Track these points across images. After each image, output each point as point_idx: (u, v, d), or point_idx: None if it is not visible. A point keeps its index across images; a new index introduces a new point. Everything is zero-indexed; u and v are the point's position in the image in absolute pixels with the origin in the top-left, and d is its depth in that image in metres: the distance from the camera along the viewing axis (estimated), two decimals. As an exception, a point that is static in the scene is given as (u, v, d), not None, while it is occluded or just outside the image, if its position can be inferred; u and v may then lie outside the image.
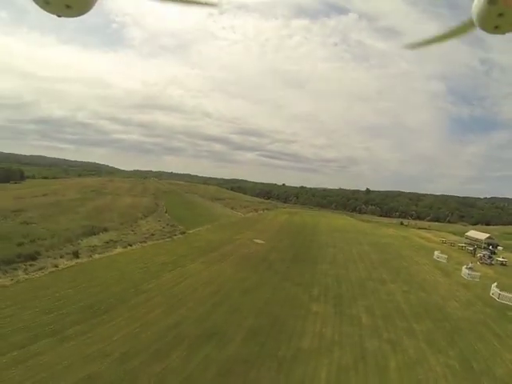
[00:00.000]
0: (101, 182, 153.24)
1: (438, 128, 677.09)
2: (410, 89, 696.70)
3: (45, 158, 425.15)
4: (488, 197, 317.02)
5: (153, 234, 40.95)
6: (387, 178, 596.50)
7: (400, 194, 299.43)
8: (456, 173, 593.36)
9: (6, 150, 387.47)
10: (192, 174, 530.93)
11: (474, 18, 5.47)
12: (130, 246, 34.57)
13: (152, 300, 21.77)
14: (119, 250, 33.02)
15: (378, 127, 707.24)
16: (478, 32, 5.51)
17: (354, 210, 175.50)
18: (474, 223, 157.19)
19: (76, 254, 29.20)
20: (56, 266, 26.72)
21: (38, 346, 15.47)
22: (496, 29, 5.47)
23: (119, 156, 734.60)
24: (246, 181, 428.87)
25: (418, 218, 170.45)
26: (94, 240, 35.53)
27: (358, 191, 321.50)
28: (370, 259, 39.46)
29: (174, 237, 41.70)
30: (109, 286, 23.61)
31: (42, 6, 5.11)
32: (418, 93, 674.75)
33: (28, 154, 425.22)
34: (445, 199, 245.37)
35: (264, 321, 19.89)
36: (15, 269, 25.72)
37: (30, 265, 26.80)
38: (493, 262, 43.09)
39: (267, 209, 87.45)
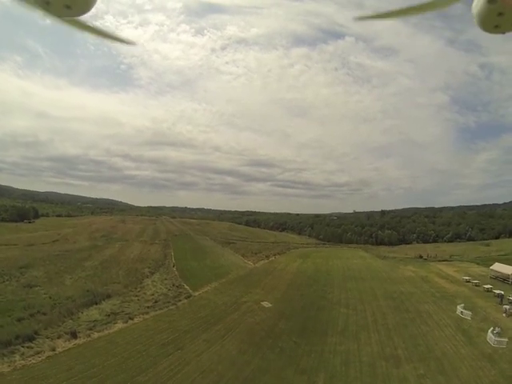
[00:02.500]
0: (112, 224, 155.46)
1: (446, 139, 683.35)
2: (414, 104, 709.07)
3: (59, 194, 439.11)
4: (507, 201, 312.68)
5: (156, 302, 40.65)
6: (401, 195, 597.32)
7: (416, 211, 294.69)
8: (471, 182, 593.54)
9: (22, 187, 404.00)
10: (206, 207, 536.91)
11: (474, 17, 5.46)
12: (131, 319, 34.34)
13: (146, 399, 21.34)
14: (120, 325, 32.87)
15: (387, 146, 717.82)
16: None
17: (370, 236, 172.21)
18: (496, 236, 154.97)
19: (74, 335, 29.19)
20: (53, 350, 26.81)
21: None
22: (496, 28, 5.47)
23: (132, 192, 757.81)
24: (260, 212, 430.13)
25: (437, 236, 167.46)
26: (95, 312, 35.56)
27: (372, 214, 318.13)
28: (385, 323, 36.99)
29: (179, 303, 41.28)
30: (104, 379, 23.35)
31: (41, 7, 5.15)
32: (422, 107, 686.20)
33: (43, 190, 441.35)
34: (463, 212, 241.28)
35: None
36: (13, 352, 26.07)
37: (28, 347, 27.06)
38: None
39: (279, 253, 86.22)
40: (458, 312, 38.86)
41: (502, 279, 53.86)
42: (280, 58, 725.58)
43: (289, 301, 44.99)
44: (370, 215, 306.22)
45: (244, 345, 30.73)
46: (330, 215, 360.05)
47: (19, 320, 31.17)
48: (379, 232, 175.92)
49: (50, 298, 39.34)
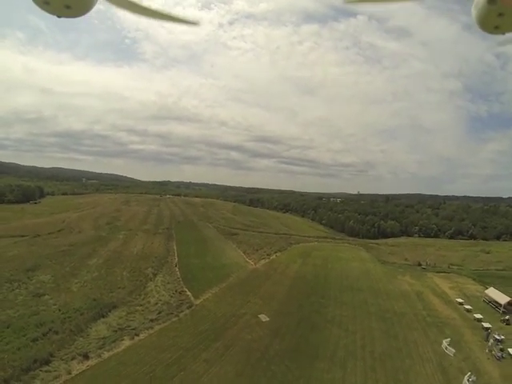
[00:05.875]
0: (116, 206, 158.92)
1: (456, 127, 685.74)
2: (425, 88, 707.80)
3: (64, 170, 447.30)
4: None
5: (160, 313, 43.92)
6: (406, 180, 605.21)
7: (420, 199, 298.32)
8: (478, 172, 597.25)
9: (27, 163, 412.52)
10: (210, 183, 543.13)
11: (474, 18, 5.79)
12: (137, 335, 37.69)
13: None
14: (127, 342, 36.26)
15: (395, 129, 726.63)
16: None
17: (372, 226, 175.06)
18: (498, 235, 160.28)
19: (86, 356, 32.56)
20: (69, 373, 30.36)
21: None
22: (496, 29, 5.78)
23: (137, 166, 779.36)
24: (264, 190, 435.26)
25: (439, 231, 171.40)
26: (103, 328, 38.92)
27: (377, 198, 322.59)
28: (373, 350, 39.21)
29: (181, 314, 44.53)
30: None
31: (41, 6, 5.34)
32: (433, 92, 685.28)
33: (48, 166, 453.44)
34: (467, 205, 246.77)
35: None
36: (34, 377, 29.47)
37: (46, 371, 30.45)
38: (504, 356, 39.00)
39: (280, 250, 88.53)
40: (442, 346, 40.53)
41: (495, 306, 55.00)
42: (289, 35, 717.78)
43: (285, 314, 47.78)
44: (374, 199, 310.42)
45: (240, 366, 33.95)
46: (334, 195, 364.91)
47: (34, 341, 34.52)
48: (382, 222, 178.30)
49: (59, 310, 42.76)
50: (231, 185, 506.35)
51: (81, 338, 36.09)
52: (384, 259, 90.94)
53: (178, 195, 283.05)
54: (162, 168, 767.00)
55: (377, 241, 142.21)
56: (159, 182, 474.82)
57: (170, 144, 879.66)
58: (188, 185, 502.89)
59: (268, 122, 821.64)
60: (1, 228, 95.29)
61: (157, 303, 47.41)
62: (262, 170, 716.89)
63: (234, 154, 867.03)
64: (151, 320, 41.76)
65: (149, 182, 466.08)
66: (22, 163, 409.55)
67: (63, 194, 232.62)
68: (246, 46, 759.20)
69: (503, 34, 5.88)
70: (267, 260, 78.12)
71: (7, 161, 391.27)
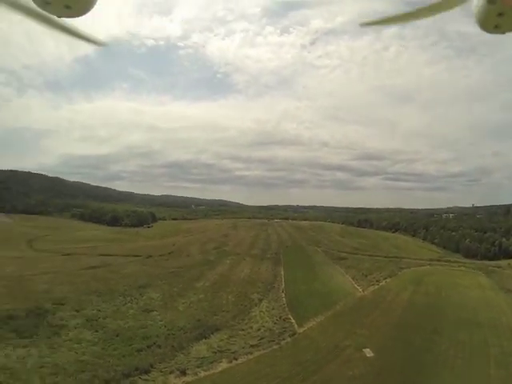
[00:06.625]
0: (224, 231, 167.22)
1: None
2: None
3: (174, 197, 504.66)
4: None
5: (261, 339, 44.01)
6: None
7: None
8: None
9: (141, 192, 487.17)
10: (318, 205, 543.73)
11: (474, 17, 5.88)
12: (236, 359, 38.31)
13: None
14: (224, 365, 37.15)
15: (507, 125, 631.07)
16: None
17: (492, 244, 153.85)
18: None
19: (183, 372, 34.33)
20: (165, 386, 31.95)
21: None
22: (496, 28, 5.85)
23: (243, 191, 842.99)
24: (372, 209, 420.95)
25: None
26: (204, 348, 40.63)
27: (495, 210, 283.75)
28: None
29: (283, 342, 43.87)
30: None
31: (41, 7, 5.51)
32: None
33: (159, 194, 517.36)
34: None
35: None
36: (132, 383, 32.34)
37: (145, 379, 33.07)
38: None
39: (390, 276, 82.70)
40: None
41: None
42: (372, 43, 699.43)
43: (392, 349, 43.61)
44: (492, 212, 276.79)
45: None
46: (447, 211, 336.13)
47: (138, 351, 38.08)
48: (504, 239, 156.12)
49: (165, 326, 46.23)
50: (338, 206, 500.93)
51: (181, 355, 38.31)
52: (508, 287, 77.54)
53: (286, 219, 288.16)
54: (268, 192, 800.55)
55: (498, 262, 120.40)
56: (266, 206, 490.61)
57: (274, 168, 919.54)
58: (295, 208, 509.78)
59: (368, 138, 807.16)
60: (118, 248, 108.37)
61: (259, 329, 47.84)
62: (368, 189, 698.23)
63: (339, 175, 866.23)
64: (252, 345, 42.17)
65: (255, 206, 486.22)
66: (136, 192, 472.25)
67: (173, 219, 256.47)
68: (332, 62, 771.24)
69: (503, 33, 5.91)
70: (376, 286, 73.49)
71: (124, 190, 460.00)
